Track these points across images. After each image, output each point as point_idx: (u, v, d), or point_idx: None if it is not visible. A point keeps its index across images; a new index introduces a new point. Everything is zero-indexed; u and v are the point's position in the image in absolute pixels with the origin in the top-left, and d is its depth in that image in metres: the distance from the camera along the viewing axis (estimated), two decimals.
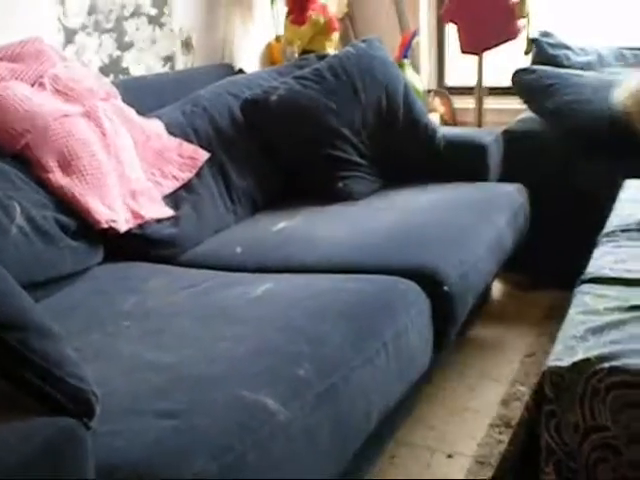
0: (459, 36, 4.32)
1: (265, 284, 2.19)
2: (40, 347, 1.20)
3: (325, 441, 1.66)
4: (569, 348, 1.60)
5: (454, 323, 2.43)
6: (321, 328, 1.91)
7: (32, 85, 2.60)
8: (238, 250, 2.59)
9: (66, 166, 2.44)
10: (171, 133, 2.97)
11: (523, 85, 3.77)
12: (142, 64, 3.50)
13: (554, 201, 3.47)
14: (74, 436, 1.17)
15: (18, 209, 2.19)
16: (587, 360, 1.54)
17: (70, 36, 3.10)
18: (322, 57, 3.66)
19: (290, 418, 1.55)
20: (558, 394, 1.54)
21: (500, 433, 2.51)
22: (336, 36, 4.24)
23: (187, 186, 2.88)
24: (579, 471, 1.53)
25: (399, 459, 2.42)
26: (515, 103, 3.99)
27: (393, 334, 2.05)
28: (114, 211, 2.51)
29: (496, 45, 4.30)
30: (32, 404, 1.19)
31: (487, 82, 4.52)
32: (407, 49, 4.44)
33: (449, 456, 2.43)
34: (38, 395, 1.19)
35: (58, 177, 2.40)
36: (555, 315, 3.32)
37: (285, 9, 4.25)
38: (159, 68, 3.61)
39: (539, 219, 3.37)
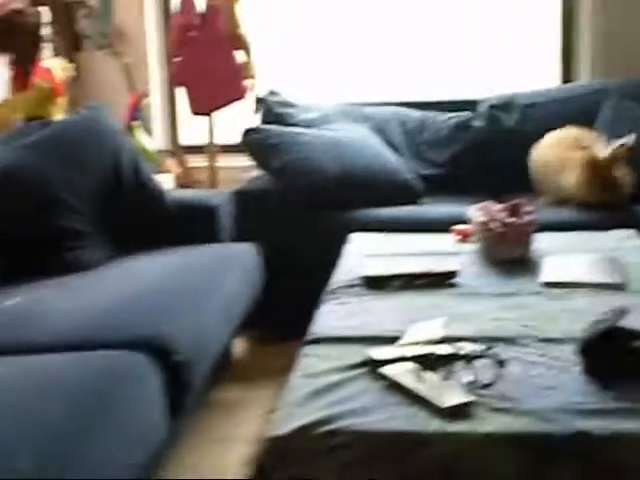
0: (188, 98, 4.37)
1: None
2: None
3: None
4: (289, 415, 1.63)
5: (189, 390, 2.41)
6: (45, 413, 1.83)
7: None
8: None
9: None
10: None
11: (251, 144, 3.85)
12: None
13: (289, 256, 3.54)
14: None
15: None
16: (305, 427, 1.57)
17: None
18: (45, 124, 3.57)
19: None
20: (280, 463, 1.56)
21: None
22: (63, 101, 4.16)
23: None
24: None
25: None
26: (248, 160, 4.06)
27: (123, 410, 2.01)
28: None
29: (224, 106, 4.38)
30: None
31: (221, 140, 4.59)
32: (136, 111, 4.42)
33: None
34: None
35: None
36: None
37: (8, 74, 4.14)
38: None
39: (276, 275, 3.43)
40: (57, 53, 4.37)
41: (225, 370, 3.34)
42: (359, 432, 1.56)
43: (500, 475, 1.53)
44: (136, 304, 2.58)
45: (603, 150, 3.63)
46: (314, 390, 1.72)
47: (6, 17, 4.04)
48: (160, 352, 2.28)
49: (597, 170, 3.59)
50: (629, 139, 3.61)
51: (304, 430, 1.56)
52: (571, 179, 3.67)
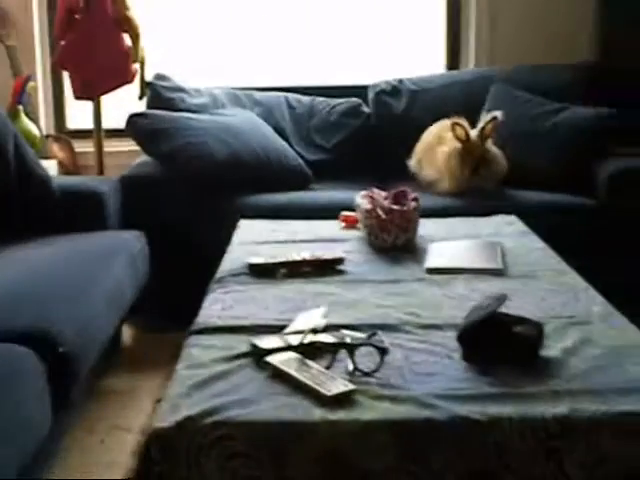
0: (71, 82, 4.29)
1: None
2: None
3: None
4: (173, 407, 1.63)
5: (75, 381, 2.38)
6: None
7: None
8: None
9: None
10: None
11: (137, 129, 3.82)
12: None
13: (176, 244, 3.53)
14: None
15: None
16: (190, 418, 1.57)
17: None
18: None
19: None
20: (165, 455, 1.56)
21: None
22: None
23: None
24: None
25: None
26: (135, 145, 4.01)
27: (7, 405, 1.98)
28: None
29: (110, 90, 4.31)
30: None
31: (108, 124, 4.52)
32: (21, 95, 4.32)
33: None
34: None
35: None
36: None
37: None
38: None
39: (163, 262, 3.41)
40: None
41: (114, 358, 3.31)
42: (244, 423, 1.57)
43: (383, 461, 1.56)
44: (19, 294, 2.54)
45: (474, 130, 3.74)
46: (199, 381, 1.72)
47: None
48: (44, 344, 2.24)
49: (468, 147, 3.69)
50: (498, 114, 3.72)
51: (189, 421, 1.56)
52: (443, 165, 3.76)
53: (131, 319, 3.46)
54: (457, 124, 3.72)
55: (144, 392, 3.18)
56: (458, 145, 3.73)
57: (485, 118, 3.77)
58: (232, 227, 3.10)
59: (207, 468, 1.55)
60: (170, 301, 3.61)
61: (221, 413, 1.59)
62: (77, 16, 4.25)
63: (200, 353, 1.88)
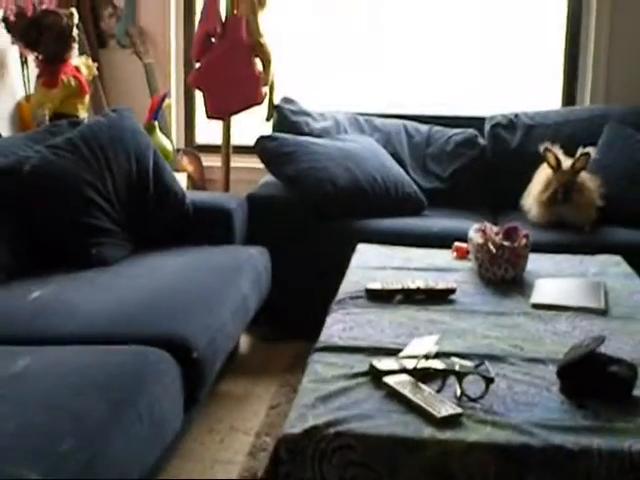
0: (205, 102, 4.57)
1: (23, 359, 2.29)
2: None
3: None
4: (301, 416, 1.85)
5: (203, 385, 2.64)
6: (80, 403, 2.05)
7: None
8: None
9: None
10: None
11: (265, 151, 4.06)
12: None
13: (295, 260, 3.77)
14: None
15: None
16: (316, 427, 1.80)
17: None
18: (74, 124, 3.78)
19: None
20: (292, 457, 1.78)
21: None
22: (87, 99, 4.36)
23: None
24: None
25: None
26: (260, 163, 4.27)
27: (147, 403, 2.22)
28: None
29: (240, 111, 4.58)
30: None
31: (235, 141, 4.80)
32: (157, 112, 4.63)
33: None
34: None
35: None
36: (298, 366, 3.61)
37: (36, 70, 4.34)
38: None
39: (282, 277, 3.65)
40: (82, 51, 4.56)
41: (232, 364, 3.55)
42: (362, 435, 1.79)
43: (483, 478, 1.75)
44: (156, 302, 2.80)
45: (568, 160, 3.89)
46: (323, 395, 1.95)
47: (37, 17, 4.24)
48: (179, 349, 2.50)
49: (558, 174, 3.82)
50: (590, 149, 3.85)
51: (314, 430, 1.79)
52: (534, 193, 3.91)
53: (249, 328, 3.70)
54: (549, 150, 3.86)
55: (258, 397, 3.42)
56: (549, 171, 3.88)
57: (581, 151, 3.89)
58: (349, 249, 3.31)
59: (328, 473, 1.78)
60: (286, 315, 3.85)
61: (342, 425, 1.81)
62: (214, 40, 4.53)
63: (323, 369, 2.10)
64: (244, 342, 3.92)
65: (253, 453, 2.94)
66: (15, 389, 2.09)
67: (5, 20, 4.19)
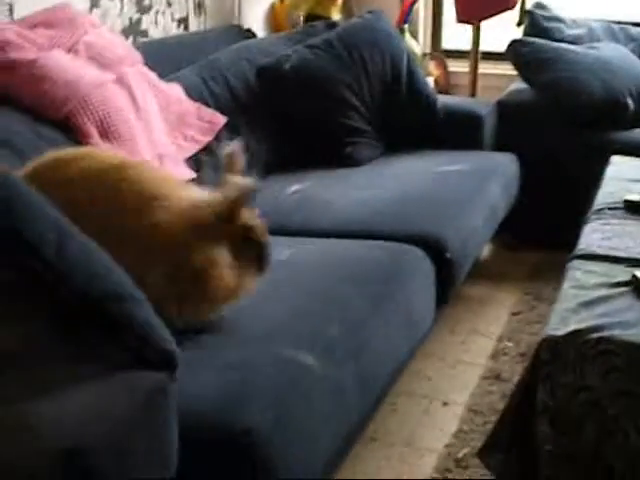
0: (455, 5, 4.52)
1: (288, 248, 2.43)
2: (135, 313, 1.45)
3: (350, 393, 1.93)
4: (563, 319, 1.87)
5: (454, 285, 2.70)
6: (344, 291, 2.17)
7: (68, 52, 2.80)
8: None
9: (105, 132, 2.65)
10: (190, 97, 3.18)
11: (518, 56, 3.99)
12: (159, 26, 3.69)
13: (543, 169, 3.72)
14: (166, 388, 1.43)
15: None
16: (579, 331, 1.82)
17: (95, 0, 3.27)
18: (329, 25, 3.87)
19: (325, 373, 1.81)
20: (553, 359, 1.81)
21: (490, 385, 2.78)
22: (340, 0, 4.42)
23: (206, 149, 3.09)
24: (569, 423, 1.81)
25: (399, 406, 2.69)
26: (507, 69, 4.21)
27: (404, 297, 2.32)
28: None
29: (492, 15, 4.50)
30: (127, 361, 1.44)
31: (483, 47, 4.73)
32: (407, 15, 4.63)
33: (444, 404, 2.71)
34: (136, 353, 1.44)
35: (98, 142, 2.62)
36: (539, 275, 3.62)
37: None
38: (174, 30, 3.80)
39: (528, 185, 3.63)
40: None
41: (474, 268, 3.59)
42: (625, 342, 1.79)
43: None
44: (410, 202, 2.88)
45: None
46: (583, 301, 1.96)
47: None
48: (435, 249, 2.57)
49: None
50: None
51: (577, 334, 1.81)
52: None
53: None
54: None
55: (500, 303, 3.45)
56: None
57: None
58: (600, 161, 3.23)
59: (589, 376, 1.80)
60: (530, 224, 3.82)
61: (605, 331, 1.82)
62: None
63: (583, 276, 2.11)
64: (486, 248, 3.93)
65: (495, 356, 2.99)
66: (284, 275, 2.21)
67: None
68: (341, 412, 1.89)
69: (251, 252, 1.95)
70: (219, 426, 1.59)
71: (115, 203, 1.89)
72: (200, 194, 1.98)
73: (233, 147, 2.06)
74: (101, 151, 2.38)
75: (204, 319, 1.90)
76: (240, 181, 1.94)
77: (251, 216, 1.98)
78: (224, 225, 1.88)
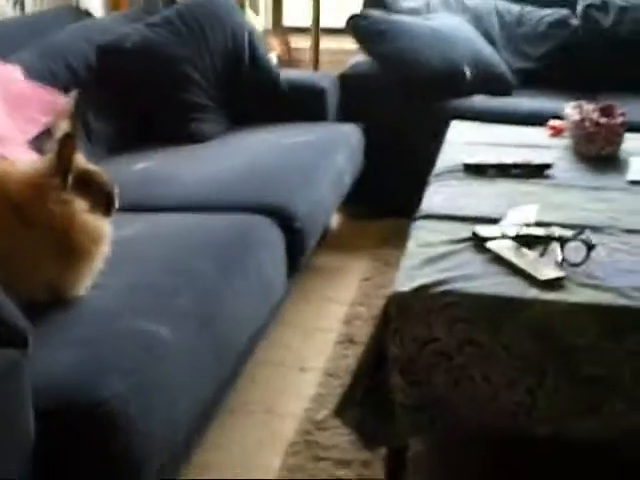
0: None
1: (134, 224, 2.41)
2: None
3: (206, 361, 1.94)
4: (409, 276, 1.94)
5: (304, 254, 2.75)
6: (193, 263, 2.18)
7: None
8: None
9: None
10: (30, 78, 3.10)
11: (358, 30, 4.07)
12: None
13: (387, 139, 3.81)
14: (19, 364, 1.42)
15: None
16: (424, 286, 1.89)
17: None
18: (169, 1, 3.85)
19: (177, 342, 1.82)
20: (401, 314, 1.88)
21: (345, 349, 2.85)
22: None
23: (48, 131, 3.03)
24: (419, 374, 1.88)
25: (258, 376, 2.72)
26: (348, 43, 4.29)
27: (255, 266, 2.34)
28: None
29: None
30: None
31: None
32: None
33: (302, 370, 2.76)
34: None
35: None
36: (387, 242, 3.71)
37: None
38: (10, 11, 3.70)
39: (373, 155, 3.71)
40: None
41: (323, 239, 3.65)
42: (468, 294, 1.87)
43: (585, 337, 1.83)
44: (257, 174, 2.91)
45: None
46: (428, 258, 2.03)
47: None
48: (283, 218, 2.61)
49: None
50: None
51: (423, 289, 1.88)
52: None
53: (339, 206, 3.78)
54: None
55: (350, 271, 3.52)
56: None
57: None
58: (438, 128, 3.34)
59: (435, 328, 1.87)
60: (376, 192, 3.91)
61: (449, 284, 1.90)
62: None
63: (427, 235, 2.18)
64: (335, 219, 4.00)
65: (348, 321, 3.05)
66: (129, 251, 2.19)
67: None
68: (198, 379, 1.90)
69: (96, 196, 2.00)
70: (75, 398, 1.58)
71: None
72: (34, 163, 2.05)
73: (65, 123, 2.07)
74: None
75: (79, 280, 1.93)
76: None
77: (84, 161, 2.04)
78: (64, 175, 1.93)
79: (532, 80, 4.21)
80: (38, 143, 2.94)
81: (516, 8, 4.56)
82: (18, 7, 3.72)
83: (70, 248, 1.91)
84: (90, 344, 1.73)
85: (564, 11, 4.49)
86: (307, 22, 4.86)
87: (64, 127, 2.01)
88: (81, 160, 2.02)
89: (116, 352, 1.71)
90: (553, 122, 3.18)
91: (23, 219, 1.88)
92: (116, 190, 2.06)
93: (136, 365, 1.69)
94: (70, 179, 1.94)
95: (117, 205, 2.07)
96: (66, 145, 1.94)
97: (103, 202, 2.01)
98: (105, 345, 1.73)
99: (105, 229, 2.00)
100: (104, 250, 1.98)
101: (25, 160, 2.40)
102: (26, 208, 1.89)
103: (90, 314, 1.87)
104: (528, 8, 4.57)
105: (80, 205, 1.94)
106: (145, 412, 1.64)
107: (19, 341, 1.45)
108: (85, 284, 1.95)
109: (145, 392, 1.66)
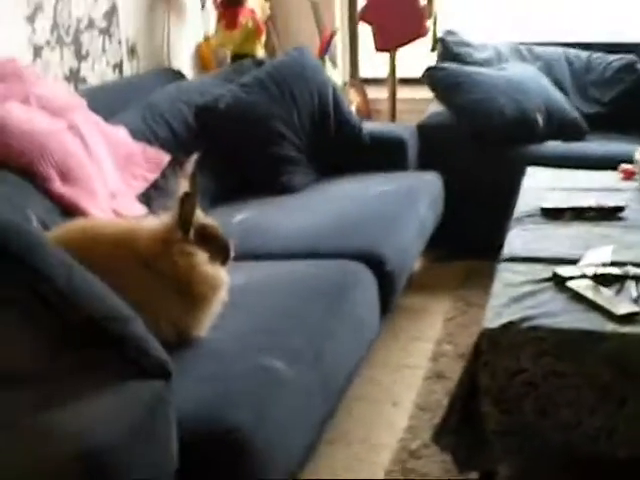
0: (374, 36, 4.82)
1: (243, 273, 2.64)
2: (131, 329, 1.68)
3: (316, 395, 2.16)
4: (497, 314, 2.15)
5: (394, 295, 2.96)
6: (299, 306, 2.41)
7: (22, 104, 2.99)
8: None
9: (64, 176, 2.85)
10: (134, 138, 3.39)
11: (434, 81, 4.31)
12: (96, 72, 3.89)
13: (464, 185, 4.02)
14: (166, 395, 1.66)
15: (33, 216, 2.60)
16: (511, 322, 2.10)
17: (37, 52, 3.47)
18: (257, 62, 4.14)
19: (294, 377, 2.05)
20: (491, 348, 2.08)
21: (434, 384, 3.04)
22: (263, 38, 4.68)
23: (154, 186, 3.31)
24: (509, 403, 2.08)
25: (354, 410, 2.93)
26: (423, 94, 4.52)
27: (352, 308, 2.56)
28: (104, 212, 2.94)
29: (407, 43, 4.82)
30: (126, 372, 1.66)
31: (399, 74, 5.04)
32: (327, 47, 4.91)
33: (394, 405, 2.96)
34: (134, 365, 1.66)
35: (58, 186, 2.82)
36: (467, 284, 3.90)
37: (213, 11, 4.66)
38: (110, 75, 4.01)
39: (452, 200, 3.92)
40: None
41: (408, 281, 3.86)
42: (552, 329, 2.08)
43: None
44: (348, 222, 3.13)
45: None
46: (513, 297, 2.24)
47: None
48: (375, 262, 2.83)
49: None
50: None
51: (511, 325, 2.09)
52: None
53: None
54: None
55: (433, 311, 3.72)
56: None
57: None
58: (514, 173, 3.53)
59: (523, 360, 2.07)
60: (455, 236, 4.10)
61: (534, 320, 2.11)
62: None
63: (511, 276, 2.39)
64: (418, 262, 4.20)
65: (435, 358, 3.25)
66: (244, 298, 2.43)
67: None
68: (309, 412, 2.12)
69: (214, 247, 2.24)
70: (208, 427, 1.80)
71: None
72: (158, 219, 2.29)
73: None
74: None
75: (201, 323, 2.18)
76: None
77: (203, 216, 2.30)
78: (187, 231, 2.18)
79: (602, 124, 4.37)
80: (146, 198, 3.22)
81: (584, 55, 4.75)
82: (117, 71, 4.04)
83: (192, 295, 2.15)
84: (216, 378, 1.96)
85: (630, 56, 4.66)
86: (379, 73, 5.09)
87: (184, 186, 2.25)
88: (200, 215, 2.27)
89: (241, 386, 1.93)
90: (624, 166, 3.36)
91: (152, 271, 2.13)
92: (232, 242, 2.29)
93: (259, 398, 1.91)
94: (191, 233, 2.19)
95: (231, 254, 2.30)
96: (187, 202, 2.19)
97: (220, 253, 2.25)
98: (230, 379, 1.96)
99: (223, 277, 2.23)
100: (222, 296, 2.22)
101: (143, 215, 2.67)
102: (154, 261, 2.14)
103: (214, 353, 2.11)
104: (596, 54, 4.75)
105: (201, 256, 2.18)
106: (267, 441, 1.87)
107: (163, 373, 1.68)
108: (206, 326, 2.19)
109: (267, 422, 1.88)
